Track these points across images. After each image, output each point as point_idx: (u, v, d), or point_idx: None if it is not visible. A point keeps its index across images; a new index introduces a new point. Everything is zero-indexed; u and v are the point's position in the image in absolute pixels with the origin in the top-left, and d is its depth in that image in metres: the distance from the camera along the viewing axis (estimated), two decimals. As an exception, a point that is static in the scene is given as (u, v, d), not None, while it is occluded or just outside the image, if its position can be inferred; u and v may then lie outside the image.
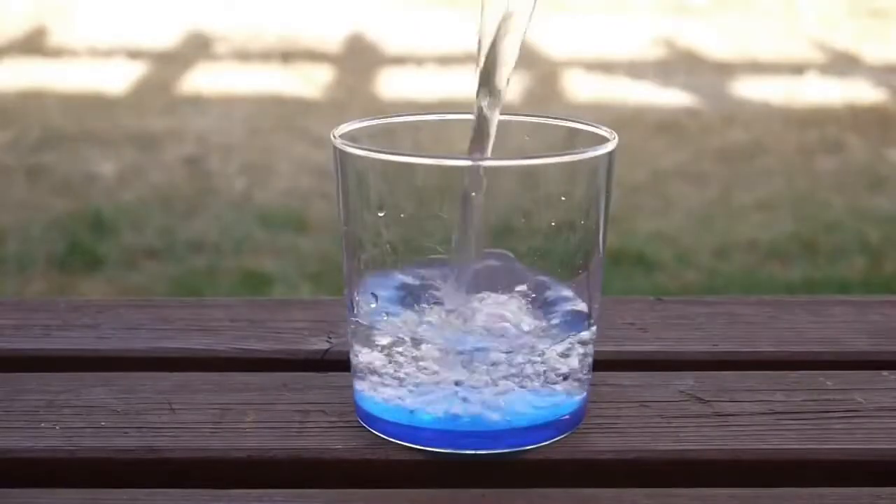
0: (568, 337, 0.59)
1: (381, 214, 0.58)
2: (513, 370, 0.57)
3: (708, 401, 0.64)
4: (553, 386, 0.59)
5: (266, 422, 0.61)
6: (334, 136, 0.59)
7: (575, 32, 4.72)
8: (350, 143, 0.58)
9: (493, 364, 0.57)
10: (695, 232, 2.61)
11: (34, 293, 2.26)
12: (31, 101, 3.63)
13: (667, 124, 3.46)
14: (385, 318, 0.58)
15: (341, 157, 0.59)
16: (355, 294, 0.59)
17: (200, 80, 3.95)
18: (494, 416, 0.58)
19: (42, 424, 0.61)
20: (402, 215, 0.58)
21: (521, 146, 0.63)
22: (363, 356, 0.59)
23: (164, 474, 0.58)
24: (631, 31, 4.76)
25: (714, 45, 4.59)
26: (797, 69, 4.18)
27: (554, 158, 0.59)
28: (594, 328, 0.60)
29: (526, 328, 0.58)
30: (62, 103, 3.61)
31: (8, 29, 4.67)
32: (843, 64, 4.32)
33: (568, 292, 0.59)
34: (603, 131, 0.60)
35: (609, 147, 0.59)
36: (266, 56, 4.29)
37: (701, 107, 3.70)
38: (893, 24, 4.95)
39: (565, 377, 0.59)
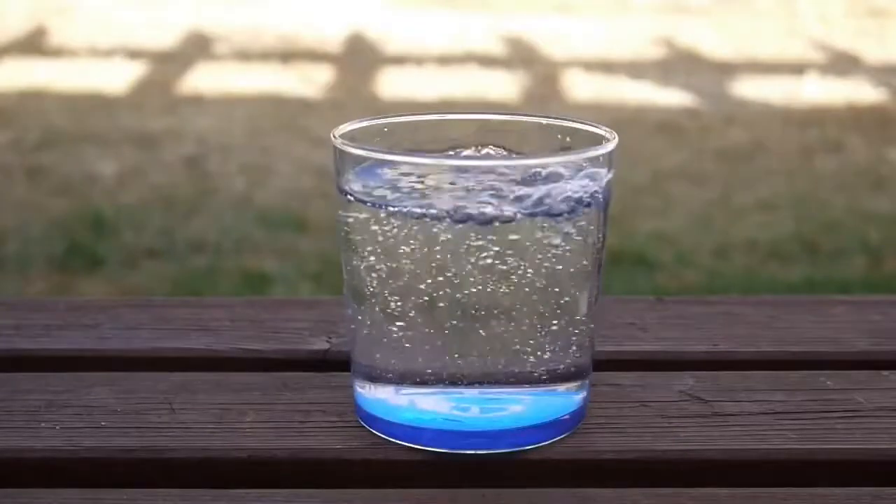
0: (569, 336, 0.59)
1: (381, 214, 0.58)
2: (513, 368, 0.57)
3: (708, 401, 0.64)
4: (553, 386, 0.59)
5: (266, 422, 0.61)
6: (334, 136, 0.59)
7: (575, 32, 4.72)
8: (350, 143, 0.58)
9: (493, 353, 0.57)
10: (695, 232, 2.61)
11: (34, 293, 2.26)
12: (31, 101, 3.63)
13: (667, 124, 3.46)
14: (386, 308, 0.58)
15: (341, 156, 0.59)
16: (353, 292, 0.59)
17: (200, 80, 3.95)
18: (494, 416, 0.58)
19: (42, 424, 0.61)
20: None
21: (522, 146, 0.63)
22: (365, 359, 0.59)
23: (164, 474, 0.58)
24: (631, 31, 4.76)
25: (714, 45, 4.59)
26: (797, 69, 4.18)
27: (554, 158, 0.60)
28: (592, 326, 0.60)
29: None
30: (62, 103, 3.61)
31: (8, 29, 4.67)
32: (843, 64, 4.32)
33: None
34: (603, 131, 0.60)
35: (609, 147, 0.59)
36: (266, 56, 4.29)
37: (701, 107, 3.70)
38: (893, 24, 4.95)
39: (565, 376, 0.59)
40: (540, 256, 0.57)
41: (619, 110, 3.58)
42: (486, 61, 4.25)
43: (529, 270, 0.57)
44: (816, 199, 2.85)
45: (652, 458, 0.59)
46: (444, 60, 4.24)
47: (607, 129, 0.60)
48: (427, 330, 0.57)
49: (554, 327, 0.58)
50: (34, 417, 0.62)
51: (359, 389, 0.61)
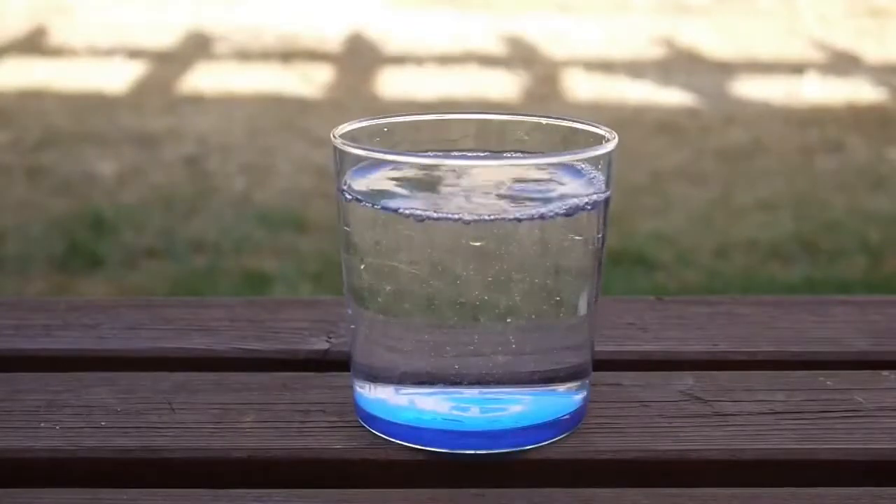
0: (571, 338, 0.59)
1: (381, 214, 0.58)
2: (513, 368, 0.57)
3: (708, 401, 0.64)
4: (553, 386, 0.59)
5: (266, 422, 0.61)
6: (334, 136, 0.59)
7: (575, 32, 4.72)
8: (350, 143, 0.58)
9: (494, 352, 0.57)
10: (695, 232, 2.61)
11: (34, 293, 2.26)
12: (31, 101, 3.63)
13: (667, 124, 3.46)
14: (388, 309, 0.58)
15: (341, 156, 0.59)
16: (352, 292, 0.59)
17: (200, 80, 3.95)
18: (494, 416, 0.58)
19: (42, 424, 0.61)
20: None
21: (521, 146, 0.63)
22: (365, 359, 0.59)
23: (165, 474, 0.58)
24: (631, 31, 4.76)
25: (714, 44, 4.59)
26: (797, 69, 4.18)
27: (554, 158, 0.60)
28: (592, 326, 0.60)
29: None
30: (62, 103, 3.61)
31: (8, 29, 4.67)
32: (843, 64, 4.32)
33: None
34: (603, 131, 0.60)
35: (609, 147, 0.59)
36: (266, 56, 4.29)
37: (701, 107, 3.70)
38: (893, 24, 4.95)
39: (565, 377, 0.59)
40: (540, 256, 0.57)
41: (619, 110, 3.58)
42: (486, 61, 4.25)
43: (529, 270, 0.57)
44: (816, 199, 2.85)
45: (652, 458, 0.59)
46: (444, 60, 4.24)
47: (607, 129, 0.60)
48: (427, 330, 0.57)
49: (554, 327, 0.58)
50: (34, 417, 0.62)
51: (359, 389, 0.61)
